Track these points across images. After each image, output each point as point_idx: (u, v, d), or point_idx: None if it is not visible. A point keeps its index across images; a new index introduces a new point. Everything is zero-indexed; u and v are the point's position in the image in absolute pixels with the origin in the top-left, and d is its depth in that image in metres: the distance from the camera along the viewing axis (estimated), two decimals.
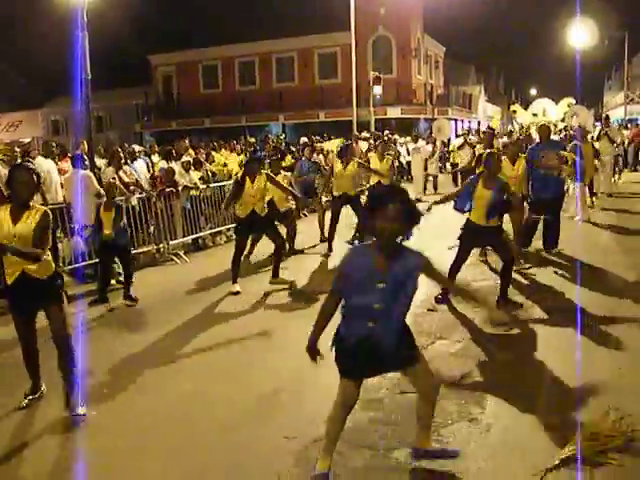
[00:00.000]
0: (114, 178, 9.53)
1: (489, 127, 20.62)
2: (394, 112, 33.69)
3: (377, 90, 28.48)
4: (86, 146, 12.10)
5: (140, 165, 12.62)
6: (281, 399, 4.95)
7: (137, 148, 14.99)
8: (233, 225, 12.68)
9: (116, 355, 6.07)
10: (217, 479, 3.93)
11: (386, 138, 21.19)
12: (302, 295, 8.01)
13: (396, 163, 21.35)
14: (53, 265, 4.95)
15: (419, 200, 15.90)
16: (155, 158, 13.71)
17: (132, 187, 10.49)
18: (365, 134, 23.76)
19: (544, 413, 4.43)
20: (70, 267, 9.08)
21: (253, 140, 22.12)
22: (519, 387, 4.94)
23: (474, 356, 5.63)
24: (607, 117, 20.57)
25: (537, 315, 6.79)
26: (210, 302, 7.92)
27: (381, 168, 11.72)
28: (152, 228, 10.88)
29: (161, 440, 4.37)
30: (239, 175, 8.52)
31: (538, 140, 10.32)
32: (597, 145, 15.08)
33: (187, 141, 16.69)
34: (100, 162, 12.29)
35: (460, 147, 18.43)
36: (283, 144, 21.09)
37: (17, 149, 11.75)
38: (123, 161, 10.91)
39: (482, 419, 4.38)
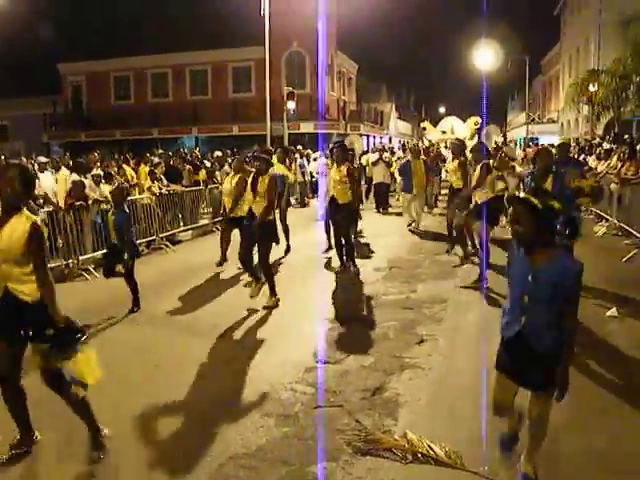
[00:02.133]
0: None
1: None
2: (307, 127, 34.00)
3: (290, 105, 28.75)
4: None
5: (47, 178, 12.22)
6: (197, 417, 4.91)
7: (43, 159, 14.53)
8: (147, 240, 12.51)
9: None
10: None
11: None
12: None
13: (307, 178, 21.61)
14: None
15: None
16: (64, 171, 13.27)
17: (40, 200, 10.17)
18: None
19: (456, 424, 4.60)
20: None
21: (161, 152, 21.85)
22: (431, 399, 5.10)
23: (386, 369, 5.75)
24: (504, 136, 21.64)
25: (448, 329, 7.03)
26: (123, 315, 7.80)
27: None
28: (61, 243, 10.52)
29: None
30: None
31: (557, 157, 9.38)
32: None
33: (97, 153, 16.36)
34: None
35: (375, 163, 18.77)
36: (198, 157, 20.93)
37: None
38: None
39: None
